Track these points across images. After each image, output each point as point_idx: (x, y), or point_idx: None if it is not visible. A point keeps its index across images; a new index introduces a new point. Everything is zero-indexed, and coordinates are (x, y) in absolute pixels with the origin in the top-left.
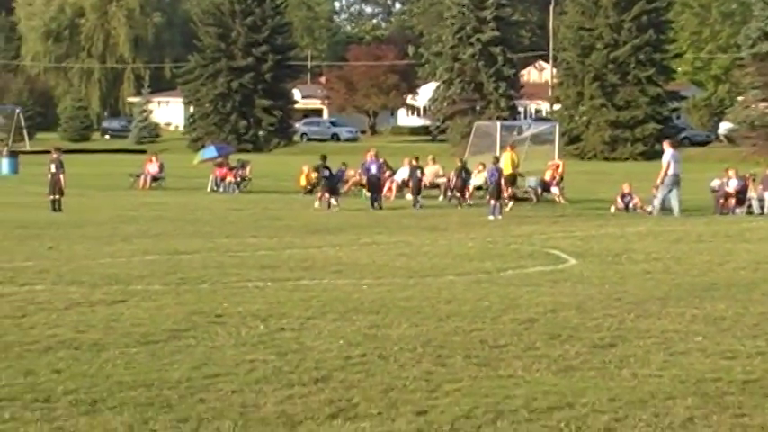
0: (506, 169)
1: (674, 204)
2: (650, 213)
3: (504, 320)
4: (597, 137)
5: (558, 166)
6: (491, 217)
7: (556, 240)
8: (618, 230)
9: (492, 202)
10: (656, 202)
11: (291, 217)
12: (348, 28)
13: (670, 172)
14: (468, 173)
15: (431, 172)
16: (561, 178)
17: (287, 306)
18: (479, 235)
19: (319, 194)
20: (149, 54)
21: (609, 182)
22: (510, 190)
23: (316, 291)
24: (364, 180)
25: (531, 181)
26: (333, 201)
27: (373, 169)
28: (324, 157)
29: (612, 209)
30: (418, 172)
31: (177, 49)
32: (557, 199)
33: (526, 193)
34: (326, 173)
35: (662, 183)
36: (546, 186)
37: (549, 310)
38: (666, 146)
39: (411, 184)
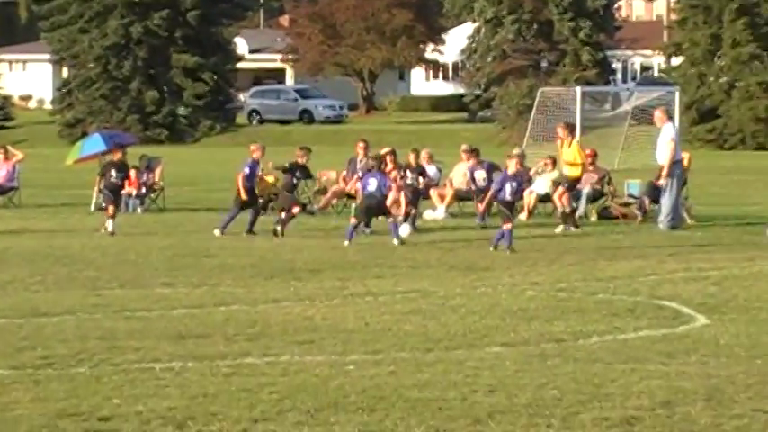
0: (571, 167)
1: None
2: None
3: (585, 421)
4: (746, 111)
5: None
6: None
7: (673, 285)
8: None
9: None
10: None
11: (231, 251)
12: None
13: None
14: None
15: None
16: (685, 182)
17: (220, 402)
18: (545, 278)
19: (288, 211)
20: None
21: (765, 186)
22: (566, 201)
23: (269, 376)
24: (354, 189)
25: (634, 186)
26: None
27: (373, 184)
28: (306, 151)
29: None
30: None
31: None
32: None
33: (625, 206)
34: (294, 176)
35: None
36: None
37: (661, 402)
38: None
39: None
